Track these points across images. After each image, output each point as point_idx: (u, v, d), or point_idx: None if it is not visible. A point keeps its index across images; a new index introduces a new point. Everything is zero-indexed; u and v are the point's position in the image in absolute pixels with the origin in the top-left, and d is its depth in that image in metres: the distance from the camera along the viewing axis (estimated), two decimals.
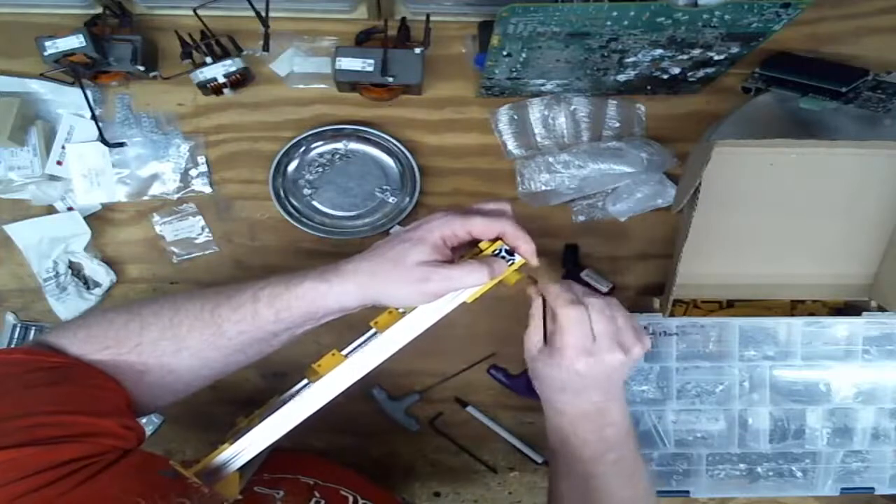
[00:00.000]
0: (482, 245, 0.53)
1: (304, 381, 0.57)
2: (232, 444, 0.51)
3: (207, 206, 0.77)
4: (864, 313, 0.72)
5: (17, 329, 0.75)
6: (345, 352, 0.54)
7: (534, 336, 0.57)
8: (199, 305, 0.51)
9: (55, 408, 0.43)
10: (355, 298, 0.50)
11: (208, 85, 0.72)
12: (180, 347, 0.50)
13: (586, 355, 0.53)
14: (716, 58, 0.68)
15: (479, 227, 0.51)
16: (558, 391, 0.56)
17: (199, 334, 0.51)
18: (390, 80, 0.72)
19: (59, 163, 0.73)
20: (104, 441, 0.43)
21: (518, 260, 0.53)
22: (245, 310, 0.50)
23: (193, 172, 0.76)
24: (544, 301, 0.57)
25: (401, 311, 0.54)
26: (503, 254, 0.53)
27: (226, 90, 0.74)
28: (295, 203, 0.77)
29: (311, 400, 0.52)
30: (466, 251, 0.55)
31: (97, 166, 0.74)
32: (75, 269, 0.75)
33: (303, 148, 0.76)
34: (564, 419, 0.57)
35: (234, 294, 0.51)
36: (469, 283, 0.50)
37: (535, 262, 0.53)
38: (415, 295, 0.50)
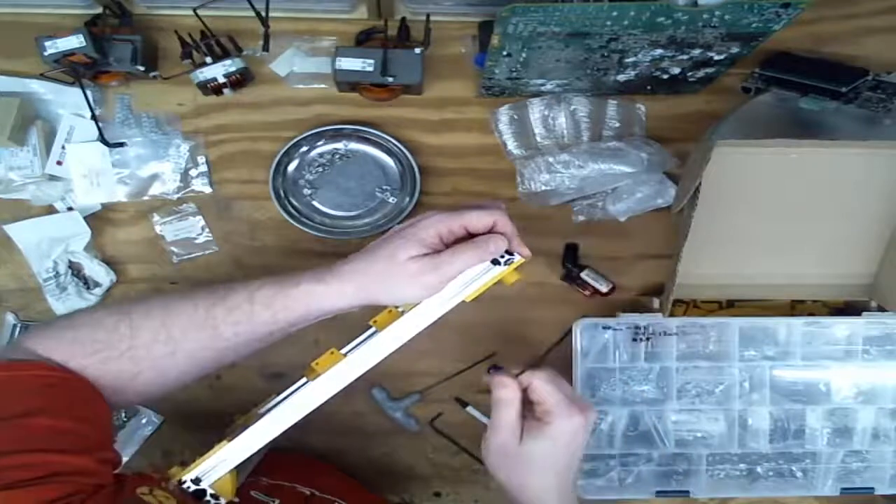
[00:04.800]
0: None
1: (303, 380, 0.57)
2: (230, 441, 0.51)
3: (207, 206, 0.77)
4: (864, 313, 0.72)
5: (17, 329, 0.75)
6: (344, 350, 0.54)
7: None
8: (192, 306, 0.50)
9: (29, 446, 0.42)
10: (352, 299, 0.50)
11: (208, 85, 0.72)
12: (175, 350, 0.50)
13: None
14: (716, 58, 0.68)
15: (474, 219, 0.51)
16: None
17: (195, 336, 0.50)
18: (390, 80, 0.72)
19: (59, 163, 0.73)
20: (79, 479, 0.42)
21: (517, 259, 0.53)
22: (241, 311, 0.50)
23: (193, 172, 0.76)
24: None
25: (400, 310, 0.54)
26: (502, 252, 0.53)
27: (226, 90, 0.74)
28: (295, 203, 0.77)
29: (310, 398, 0.52)
30: None
31: (97, 166, 0.74)
32: (75, 269, 0.75)
33: (303, 148, 0.76)
34: None
35: (227, 295, 0.51)
36: (466, 265, 0.50)
37: (527, 252, 0.53)
38: (414, 289, 0.49)
